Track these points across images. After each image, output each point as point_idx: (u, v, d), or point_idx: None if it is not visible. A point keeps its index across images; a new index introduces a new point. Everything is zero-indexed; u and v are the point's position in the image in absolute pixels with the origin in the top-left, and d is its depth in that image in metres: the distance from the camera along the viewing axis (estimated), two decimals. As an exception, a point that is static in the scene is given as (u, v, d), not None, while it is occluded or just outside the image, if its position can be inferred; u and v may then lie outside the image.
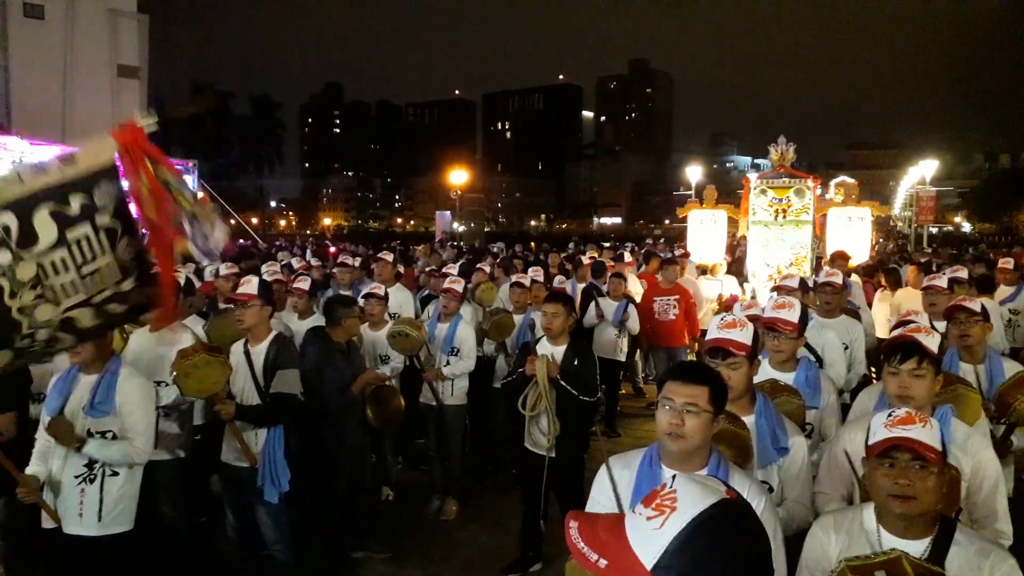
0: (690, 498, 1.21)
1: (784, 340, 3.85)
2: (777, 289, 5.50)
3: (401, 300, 7.30)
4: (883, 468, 2.17)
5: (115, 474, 3.63)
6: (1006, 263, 8.70)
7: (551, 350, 4.79)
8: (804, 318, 3.97)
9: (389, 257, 7.76)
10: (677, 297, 8.56)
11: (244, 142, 63.24)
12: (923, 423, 2.19)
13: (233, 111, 62.65)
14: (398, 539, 5.44)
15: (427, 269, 9.89)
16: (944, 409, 2.93)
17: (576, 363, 4.73)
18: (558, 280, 8.36)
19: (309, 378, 4.55)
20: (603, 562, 1.18)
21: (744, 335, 3.05)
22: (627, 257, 10.42)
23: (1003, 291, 8.08)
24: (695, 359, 7.96)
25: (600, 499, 2.49)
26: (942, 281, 5.61)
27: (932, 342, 3.05)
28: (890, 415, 2.24)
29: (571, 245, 25.29)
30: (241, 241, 24.20)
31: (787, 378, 3.78)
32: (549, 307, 4.87)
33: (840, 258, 9.26)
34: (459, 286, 6.28)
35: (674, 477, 1.30)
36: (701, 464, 2.37)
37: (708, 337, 3.14)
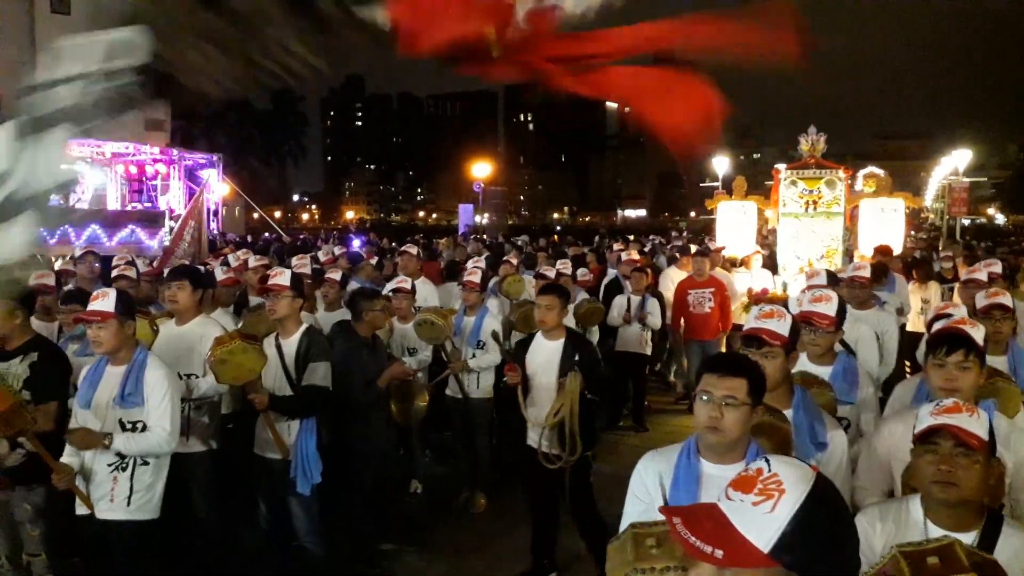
0: (794, 477, 1.24)
1: (820, 334, 3.77)
2: (815, 287, 5.38)
3: (426, 293, 7.28)
4: (927, 455, 2.18)
5: (145, 463, 3.70)
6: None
7: (547, 345, 4.65)
8: (842, 312, 3.88)
9: (413, 250, 7.74)
10: (712, 290, 8.45)
11: (266, 136, 63.67)
12: (970, 412, 2.20)
13: (255, 105, 63.11)
14: (427, 532, 5.44)
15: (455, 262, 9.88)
16: (987, 403, 2.86)
17: (578, 358, 4.57)
18: (581, 273, 8.23)
19: (335, 372, 4.54)
20: (719, 552, 1.18)
21: (781, 325, 3.01)
22: (631, 254, 10.07)
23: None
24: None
25: (639, 494, 2.49)
26: (982, 275, 5.51)
27: (978, 334, 3.00)
28: (938, 404, 2.25)
29: (596, 238, 25.18)
30: (266, 235, 24.38)
31: (824, 372, 3.73)
32: (543, 299, 4.66)
33: (882, 253, 9.06)
34: (476, 277, 6.28)
35: (768, 460, 1.30)
36: (740, 456, 2.35)
37: (746, 326, 3.11)
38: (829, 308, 3.76)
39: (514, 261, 8.66)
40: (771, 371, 2.90)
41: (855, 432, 3.69)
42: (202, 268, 6.97)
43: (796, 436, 2.87)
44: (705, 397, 2.31)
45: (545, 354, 4.66)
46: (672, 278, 9.26)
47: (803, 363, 3.75)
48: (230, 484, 4.81)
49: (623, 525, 2.47)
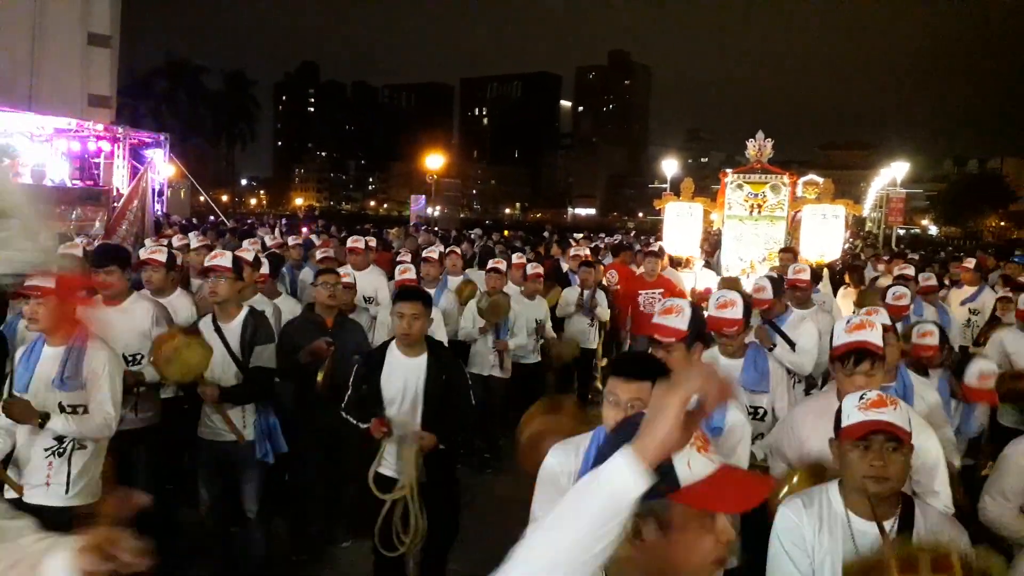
0: None
1: (729, 336, 4.03)
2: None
3: (376, 284, 7.27)
4: (857, 450, 2.23)
5: (83, 447, 3.58)
6: (968, 264, 8.93)
7: (406, 363, 3.88)
8: (748, 311, 4.09)
9: (361, 243, 7.63)
10: (662, 291, 8.63)
11: (216, 118, 62.17)
12: (894, 405, 2.26)
13: (206, 86, 61.51)
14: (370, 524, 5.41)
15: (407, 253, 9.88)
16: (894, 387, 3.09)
17: (445, 379, 3.89)
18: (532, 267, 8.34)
19: (290, 351, 4.57)
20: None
21: (678, 321, 3.14)
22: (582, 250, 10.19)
23: (964, 291, 8.30)
24: None
25: (554, 486, 2.47)
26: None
27: (875, 335, 3.10)
28: (862, 398, 2.30)
29: (545, 234, 25.37)
30: (212, 218, 23.89)
31: (735, 364, 4.00)
32: (407, 307, 3.80)
33: (788, 251, 9.54)
34: (411, 274, 6.42)
35: None
36: None
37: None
38: (735, 312, 3.99)
39: (459, 251, 8.68)
40: (673, 366, 3.00)
41: (772, 419, 3.96)
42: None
43: None
44: (612, 399, 2.36)
45: (405, 374, 3.88)
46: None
47: (715, 356, 4.03)
48: (169, 466, 4.76)
49: (536, 515, 2.46)
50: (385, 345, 4.01)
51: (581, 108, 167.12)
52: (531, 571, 1.10)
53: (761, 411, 3.95)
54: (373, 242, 8.44)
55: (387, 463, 3.87)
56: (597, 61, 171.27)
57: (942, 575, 1.81)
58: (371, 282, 7.14)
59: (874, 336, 3.06)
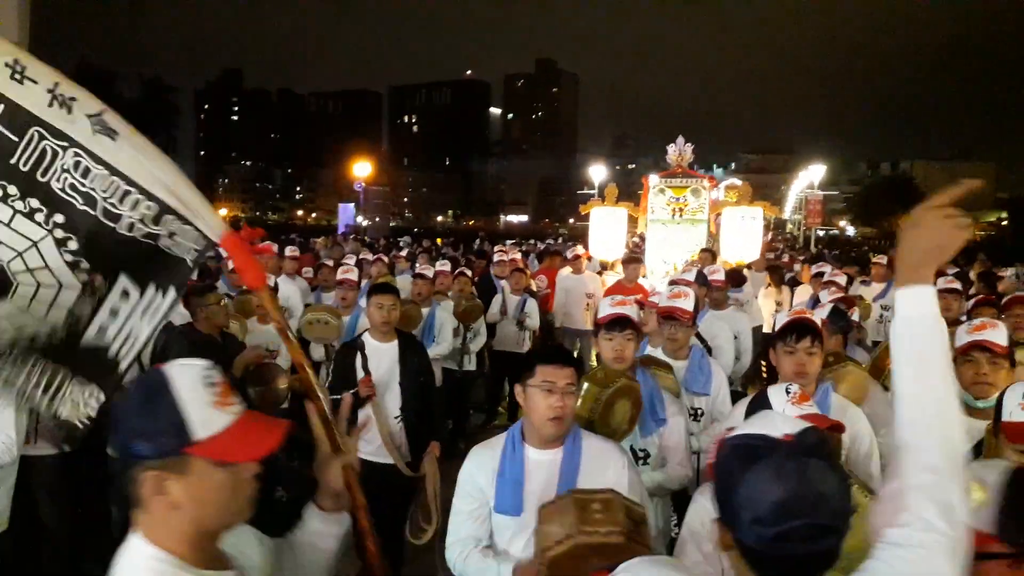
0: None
1: (680, 328, 4.04)
2: (674, 282, 5.72)
3: (289, 292, 7.18)
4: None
5: None
6: (879, 260, 9.33)
7: (383, 348, 4.37)
8: (697, 307, 4.18)
9: (273, 249, 7.57)
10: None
11: (133, 126, 60.20)
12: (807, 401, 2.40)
13: (122, 94, 59.49)
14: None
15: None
16: (825, 386, 3.14)
17: (416, 361, 4.42)
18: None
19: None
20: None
21: (687, 303, 3.79)
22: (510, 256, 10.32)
23: (876, 288, 8.65)
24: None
25: (472, 492, 2.54)
26: (841, 279, 6.36)
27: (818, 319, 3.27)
28: (788, 392, 2.40)
29: (476, 242, 25.47)
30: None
31: (680, 365, 4.02)
32: (386, 299, 4.35)
33: (707, 251, 9.94)
34: (353, 275, 6.33)
35: None
36: (561, 441, 2.49)
37: (605, 313, 3.37)
38: (687, 303, 4.06)
39: (385, 259, 8.66)
40: (629, 353, 3.28)
41: (708, 420, 3.99)
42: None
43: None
44: (549, 387, 2.40)
45: (381, 357, 4.39)
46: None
47: (660, 356, 4.05)
48: (80, 490, 4.55)
49: (454, 520, 2.56)
50: (360, 336, 4.49)
51: (511, 115, 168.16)
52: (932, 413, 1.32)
53: (700, 411, 4.02)
54: (298, 252, 8.34)
55: (367, 448, 4.14)
56: (525, 69, 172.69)
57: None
58: (285, 290, 7.10)
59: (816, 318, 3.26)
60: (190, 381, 1.39)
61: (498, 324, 8.12)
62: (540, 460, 2.47)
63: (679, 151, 11.40)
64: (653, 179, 11.83)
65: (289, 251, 8.26)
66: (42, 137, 1.75)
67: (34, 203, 1.78)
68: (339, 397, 3.91)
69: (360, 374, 4.30)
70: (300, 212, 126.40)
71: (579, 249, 10.49)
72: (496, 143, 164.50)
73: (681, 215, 11.34)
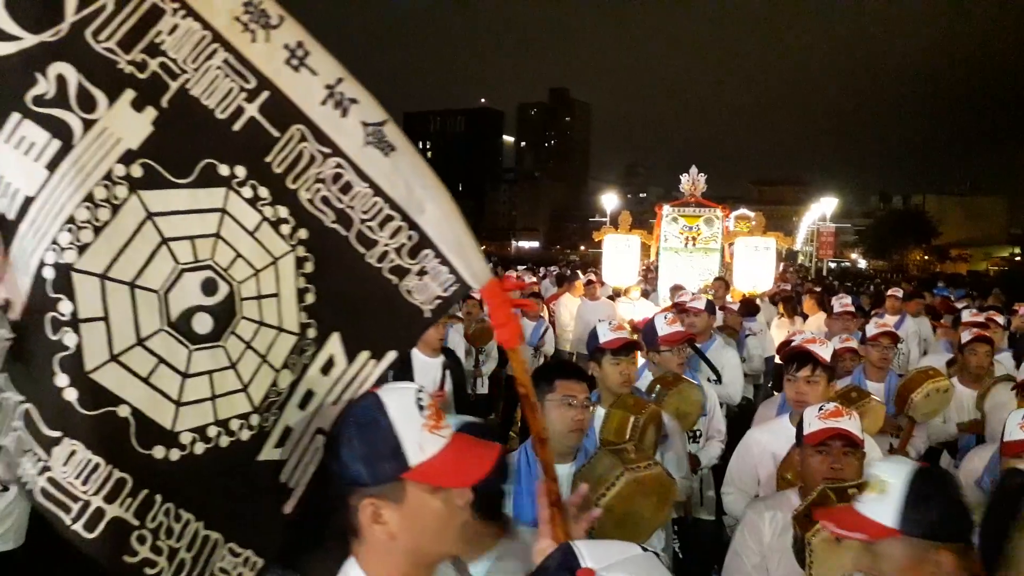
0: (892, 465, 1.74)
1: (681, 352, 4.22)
2: (685, 310, 5.75)
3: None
4: (818, 455, 2.43)
5: (4, 489, 3.40)
6: (894, 292, 9.32)
7: (430, 363, 4.59)
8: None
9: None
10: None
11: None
12: (848, 415, 2.49)
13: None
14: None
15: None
16: None
17: (460, 374, 4.76)
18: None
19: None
20: (862, 535, 1.64)
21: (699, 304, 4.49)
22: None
23: (889, 320, 8.64)
24: None
25: None
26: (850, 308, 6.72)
27: (825, 351, 3.34)
28: (821, 409, 2.51)
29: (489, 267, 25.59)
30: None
31: None
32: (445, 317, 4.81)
33: (720, 280, 10.03)
34: None
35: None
36: (575, 455, 2.57)
37: (609, 338, 3.39)
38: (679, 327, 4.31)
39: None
40: (634, 377, 3.45)
41: (704, 439, 4.19)
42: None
43: None
44: (571, 401, 2.48)
45: (431, 372, 4.68)
46: (564, 303, 9.59)
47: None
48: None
49: None
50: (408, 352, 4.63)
51: (523, 143, 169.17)
52: None
53: (699, 432, 4.13)
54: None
55: None
56: (538, 98, 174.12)
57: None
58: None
59: (821, 350, 3.34)
60: (404, 404, 1.32)
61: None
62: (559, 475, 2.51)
63: (692, 180, 11.50)
64: (666, 208, 11.92)
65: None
66: (303, 138, 1.46)
67: (282, 212, 1.47)
68: None
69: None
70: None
71: (592, 276, 10.55)
72: (508, 170, 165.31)
73: (694, 244, 11.41)
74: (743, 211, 21.35)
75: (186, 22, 1.33)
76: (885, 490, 1.64)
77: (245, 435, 1.41)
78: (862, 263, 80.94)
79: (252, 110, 1.40)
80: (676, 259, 11.47)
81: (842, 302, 7.18)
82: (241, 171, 1.41)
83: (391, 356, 1.58)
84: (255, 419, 1.42)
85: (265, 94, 1.41)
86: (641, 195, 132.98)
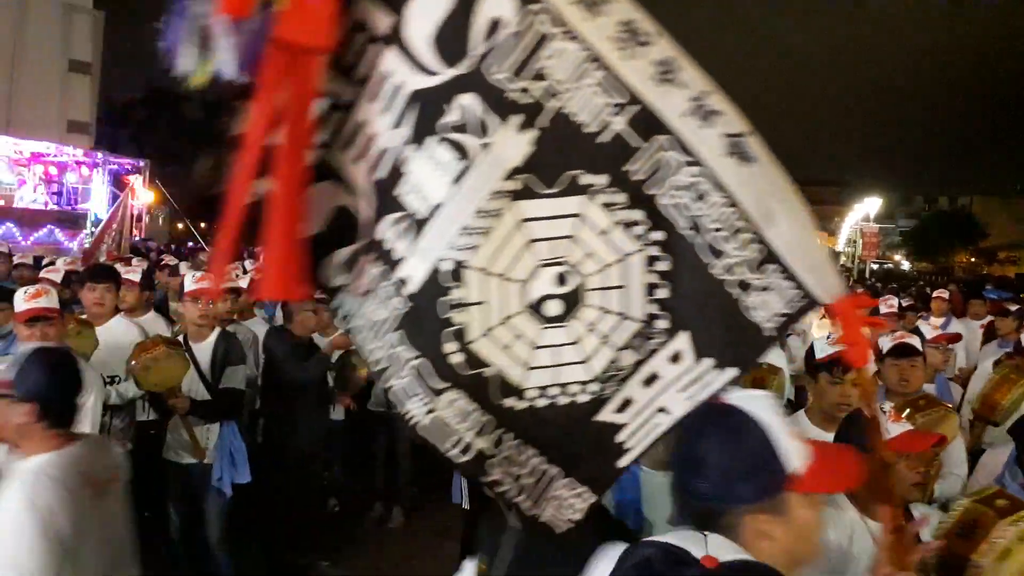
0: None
1: None
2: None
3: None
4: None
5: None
6: (940, 294, 9.14)
7: None
8: None
9: None
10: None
11: (197, 146, 62.11)
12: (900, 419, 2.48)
13: (187, 114, 61.54)
14: (344, 547, 5.41)
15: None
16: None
17: None
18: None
19: (271, 373, 4.59)
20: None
21: None
22: None
23: (935, 322, 8.47)
24: None
25: None
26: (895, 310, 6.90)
27: (916, 342, 3.88)
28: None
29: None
30: (190, 244, 23.81)
31: None
32: None
33: None
34: None
35: None
36: None
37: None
38: None
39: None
40: None
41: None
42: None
43: None
44: None
45: None
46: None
47: None
48: (140, 491, 4.72)
49: None
50: None
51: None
52: None
53: None
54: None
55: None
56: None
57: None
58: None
59: (915, 342, 3.77)
60: (770, 413, 1.31)
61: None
62: (659, 482, 2.52)
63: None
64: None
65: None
66: (665, 147, 1.54)
67: (637, 215, 1.58)
68: None
69: None
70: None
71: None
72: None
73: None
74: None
75: (568, 45, 1.49)
76: None
77: (582, 398, 1.63)
78: (906, 265, 79.27)
79: (619, 124, 1.53)
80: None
81: (888, 304, 7.05)
82: (602, 180, 1.57)
83: (731, 373, 1.59)
84: (593, 386, 1.63)
85: (633, 108, 1.52)
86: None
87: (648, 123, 1.52)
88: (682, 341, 1.61)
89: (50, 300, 3.58)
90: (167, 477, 4.45)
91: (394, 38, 1.53)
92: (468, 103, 1.51)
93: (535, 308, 1.60)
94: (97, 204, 19.50)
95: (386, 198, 1.61)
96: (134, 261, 8.24)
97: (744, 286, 1.57)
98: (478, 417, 1.62)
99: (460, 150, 1.52)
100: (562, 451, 1.67)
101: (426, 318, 1.59)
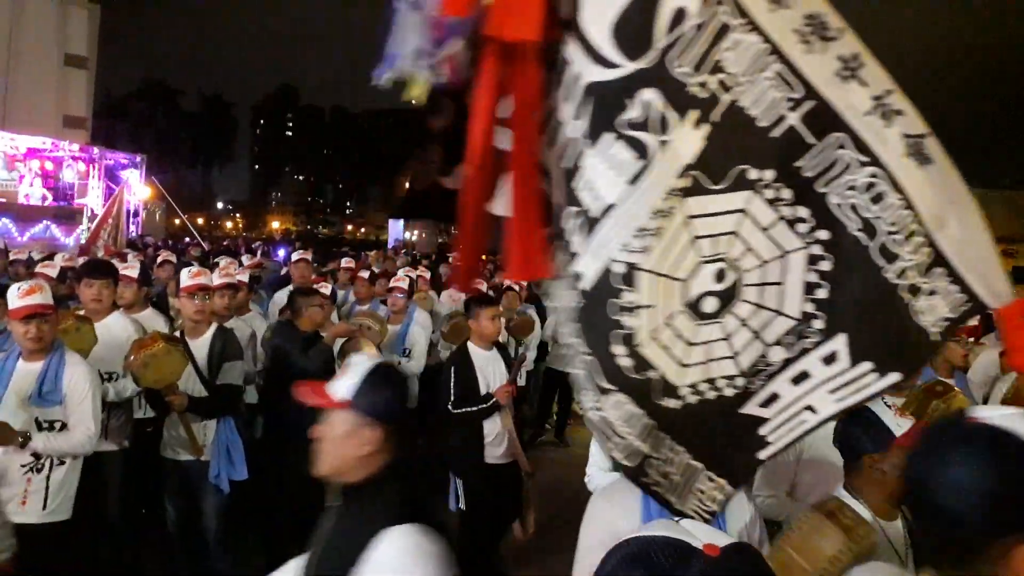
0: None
1: None
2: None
3: (343, 301, 7.36)
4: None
5: (61, 463, 3.57)
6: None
7: (486, 355, 4.73)
8: None
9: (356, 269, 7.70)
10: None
11: (193, 140, 61.98)
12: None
13: (184, 108, 61.41)
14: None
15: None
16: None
17: (510, 362, 4.85)
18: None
19: (276, 367, 4.58)
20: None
21: None
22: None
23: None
24: None
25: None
26: None
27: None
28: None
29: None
30: (187, 240, 23.74)
31: None
32: (492, 310, 4.76)
33: None
34: (404, 283, 6.47)
35: None
36: None
37: None
38: None
39: (427, 275, 8.73)
40: None
41: None
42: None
43: None
44: None
45: (492, 363, 4.76)
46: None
47: None
48: (138, 486, 4.70)
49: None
50: (464, 345, 4.78)
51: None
52: None
53: None
54: (353, 263, 8.53)
55: (496, 453, 4.55)
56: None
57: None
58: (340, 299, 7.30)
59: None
60: None
61: (551, 342, 8.13)
62: None
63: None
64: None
65: (345, 262, 8.48)
66: (840, 145, 1.50)
67: (802, 212, 1.55)
68: (486, 405, 4.50)
69: (480, 384, 4.61)
70: (350, 227, 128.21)
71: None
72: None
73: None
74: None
75: (748, 37, 1.46)
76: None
77: (729, 392, 1.63)
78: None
79: (793, 118, 1.49)
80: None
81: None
82: (769, 175, 1.52)
83: (894, 377, 1.57)
84: (740, 381, 1.63)
85: (810, 103, 1.49)
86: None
87: (824, 119, 1.49)
88: (839, 343, 1.58)
89: (45, 296, 3.53)
90: (164, 474, 4.41)
91: (572, 24, 1.48)
92: (650, 98, 1.45)
93: (693, 306, 1.59)
94: (93, 200, 19.43)
95: (568, 189, 1.59)
96: (130, 257, 8.17)
97: (914, 290, 1.54)
98: (644, 421, 1.64)
99: (639, 148, 1.47)
100: (707, 445, 1.68)
101: (597, 317, 1.59)
